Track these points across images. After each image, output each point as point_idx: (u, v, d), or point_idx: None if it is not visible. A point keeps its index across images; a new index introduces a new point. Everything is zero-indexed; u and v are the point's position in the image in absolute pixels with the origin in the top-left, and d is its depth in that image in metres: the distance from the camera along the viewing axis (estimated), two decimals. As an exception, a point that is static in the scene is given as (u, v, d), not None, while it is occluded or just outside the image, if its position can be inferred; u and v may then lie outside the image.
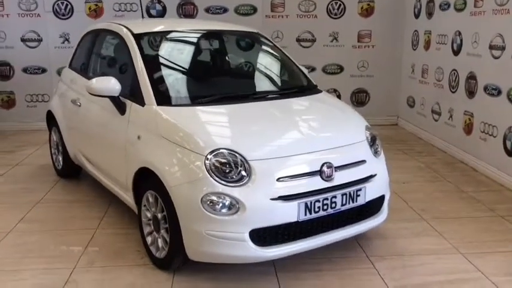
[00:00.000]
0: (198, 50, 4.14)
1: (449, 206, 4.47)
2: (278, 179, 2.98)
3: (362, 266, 3.40)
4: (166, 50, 3.99)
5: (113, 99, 3.60)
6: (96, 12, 7.17)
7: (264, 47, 4.41)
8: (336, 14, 7.47)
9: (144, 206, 3.39)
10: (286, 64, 4.29)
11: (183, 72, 3.84)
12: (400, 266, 3.40)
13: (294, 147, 3.19)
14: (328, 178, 3.11)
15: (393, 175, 5.25)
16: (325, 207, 3.09)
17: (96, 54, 4.46)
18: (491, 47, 5.19)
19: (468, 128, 5.71)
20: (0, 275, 3.27)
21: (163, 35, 4.09)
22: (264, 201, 2.92)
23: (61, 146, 4.94)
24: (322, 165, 3.11)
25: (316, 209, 3.06)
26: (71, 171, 4.99)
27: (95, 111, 4.04)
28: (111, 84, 3.53)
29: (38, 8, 7.07)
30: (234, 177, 2.94)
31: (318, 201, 3.06)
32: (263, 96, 3.77)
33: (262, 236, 2.98)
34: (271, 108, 3.54)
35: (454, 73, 6.01)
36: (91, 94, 3.63)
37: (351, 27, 7.53)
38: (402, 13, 7.50)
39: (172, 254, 3.15)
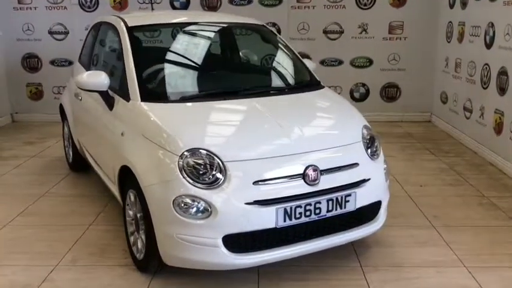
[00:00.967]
0: (192, 44, 3.99)
1: (465, 212, 4.14)
2: (255, 183, 2.79)
3: (352, 276, 3.17)
4: (159, 44, 3.87)
5: (102, 93, 3.52)
6: (120, 5, 7.17)
7: (265, 41, 4.21)
8: (365, 5, 7.13)
9: (128, 204, 3.30)
10: (288, 59, 4.07)
11: (173, 68, 3.71)
12: (393, 278, 3.15)
13: (276, 148, 2.99)
14: (313, 182, 2.90)
15: (412, 177, 5.01)
16: (307, 213, 2.89)
17: (97, 47, 4.41)
18: (523, 40, 4.78)
19: (498, 128, 5.29)
20: (-17, 270, 3.27)
21: (158, 29, 3.98)
22: (238, 206, 2.75)
23: (70, 139, 4.95)
24: (306, 168, 2.90)
25: (298, 215, 2.86)
26: (79, 164, 4.98)
27: (91, 105, 3.99)
28: (99, 79, 3.46)
29: (64, 0, 7.14)
30: (208, 179, 2.78)
31: (300, 206, 2.85)
32: (257, 92, 3.58)
33: (237, 242, 2.82)
34: (262, 105, 3.34)
35: (486, 68, 5.59)
36: (80, 89, 3.56)
37: (381, 18, 7.17)
38: (436, 3, 7.06)
39: (148, 256, 3.05)
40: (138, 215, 3.12)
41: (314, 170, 2.91)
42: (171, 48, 3.84)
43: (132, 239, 3.30)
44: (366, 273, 3.20)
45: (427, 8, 7.10)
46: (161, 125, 3.04)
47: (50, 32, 7.28)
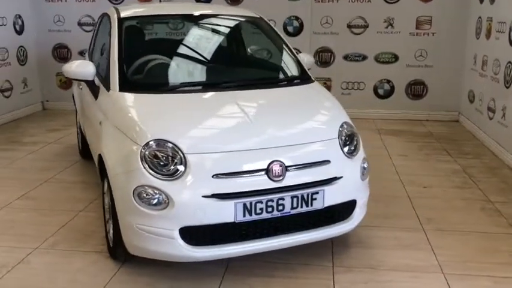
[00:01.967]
0: (181, 36, 4.00)
1: (463, 217, 3.94)
2: (214, 176, 2.77)
3: (320, 276, 3.09)
4: (146, 35, 3.91)
5: (88, 83, 3.59)
6: (146, -3, 7.29)
7: (256, 33, 4.16)
8: (391, -1, 6.91)
9: (104, 192, 3.37)
10: (279, 52, 4.00)
11: (156, 59, 3.72)
12: (363, 280, 3.04)
13: (241, 142, 2.95)
14: (277, 178, 2.85)
15: (420, 177, 4.82)
16: (269, 209, 2.84)
17: (97, 39, 4.50)
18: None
19: (517, 129, 5.00)
20: (-32, 249, 3.43)
21: (149, 20, 4.01)
22: (195, 198, 2.74)
23: (79, 128, 5.10)
24: (271, 163, 2.85)
25: (258, 211, 2.82)
26: (87, 151, 5.11)
27: (86, 95, 4.08)
28: (85, 69, 3.53)
29: (92, -7, 7.35)
30: (168, 171, 2.79)
31: (260, 202, 2.81)
32: (238, 85, 3.54)
33: (195, 235, 2.81)
34: (238, 98, 3.30)
35: (509, 66, 5.28)
36: (67, 78, 3.65)
37: (408, 13, 6.92)
38: (466, -3, 6.74)
39: (116, 244, 3.09)
40: (110, 203, 3.17)
41: (279, 166, 2.86)
42: (160, 40, 3.87)
43: (107, 226, 3.36)
44: (335, 274, 3.11)
45: (457, 3, 6.79)
46: (130, 115, 3.07)
47: (79, 24, 7.50)
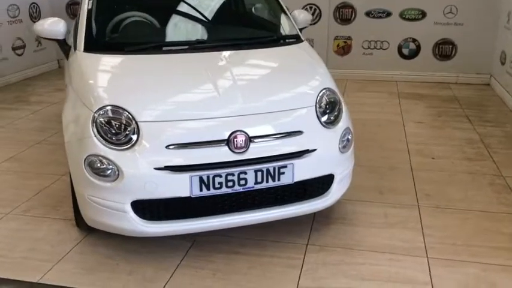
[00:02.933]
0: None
1: (468, 193, 3.58)
2: (168, 146, 2.54)
3: (289, 255, 2.86)
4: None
5: (59, 42, 3.40)
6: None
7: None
8: (419, -51, 6.31)
9: (69, 160, 3.21)
10: (263, 8, 3.66)
11: (125, 17, 3.47)
12: (334, 261, 2.79)
13: (200, 109, 2.70)
14: (238, 150, 2.59)
15: (430, 147, 4.44)
16: (229, 183, 2.60)
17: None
18: None
19: (544, 96, 4.49)
20: None
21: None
22: (146, 170, 2.53)
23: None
24: (232, 133, 2.59)
25: (217, 185, 2.59)
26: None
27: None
28: (55, 26, 3.33)
29: None
30: (119, 140, 2.58)
31: (219, 176, 2.57)
32: (211, 46, 3.25)
33: (149, 209, 2.62)
34: (209, 60, 3.03)
35: (542, 24, 4.72)
36: (40, 37, 3.46)
37: (437, -35, 6.33)
38: None
39: (77, 214, 2.95)
40: (72, 171, 3.02)
41: (242, 137, 2.59)
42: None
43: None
44: (307, 253, 2.87)
45: (492, -47, 6.15)
46: (87, 77, 2.86)
47: None
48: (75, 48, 3.20)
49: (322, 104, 2.89)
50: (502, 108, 5.62)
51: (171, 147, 2.54)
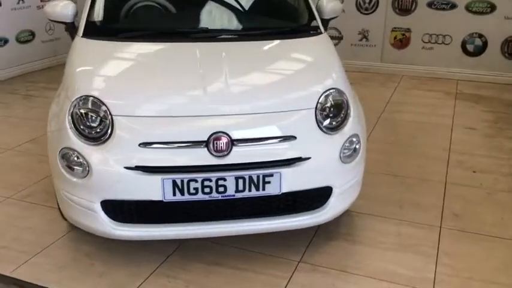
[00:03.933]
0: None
1: (504, 216, 3.11)
2: (141, 144, 2.34)
3: (275, 272, 2.57)
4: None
5: (67, 25, 3.28)
6: None
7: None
8: None
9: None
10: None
11: (137, 2, 3.26)
12: (322, 285, 2.47)
13: (181, 106, 2.47)
14: (219, 153, 2.34)
15: (475, 158, 3.98)
16: (206, 189, 2.36)
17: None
18: None
19: None
20: None
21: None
22: (116, 169, 2.34)
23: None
24: (212, 135, 2.34)
25: (192, 191, 2.35)
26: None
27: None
28: (64, 9, 3.19)
29: None
30: (91, 134, 2.41)
31: (195, 180, 2.33)
32: (213, 35, 2.99)
33: (120, 211, 2.44)
34: (204, 53, 2.75)
35: None
36: (50, 20, 3.36)
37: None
38: None
39: (58, 207, 2.83)
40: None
41: (223, 139, 2.33)
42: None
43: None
44: (296, 272, 2.57)
45: None
46: (74, 64, 2.71)
47: None
48: (77, 34, 3.07)
49: (326, 106, 2.56)
50: None
51: (144, 145, 2.33)
